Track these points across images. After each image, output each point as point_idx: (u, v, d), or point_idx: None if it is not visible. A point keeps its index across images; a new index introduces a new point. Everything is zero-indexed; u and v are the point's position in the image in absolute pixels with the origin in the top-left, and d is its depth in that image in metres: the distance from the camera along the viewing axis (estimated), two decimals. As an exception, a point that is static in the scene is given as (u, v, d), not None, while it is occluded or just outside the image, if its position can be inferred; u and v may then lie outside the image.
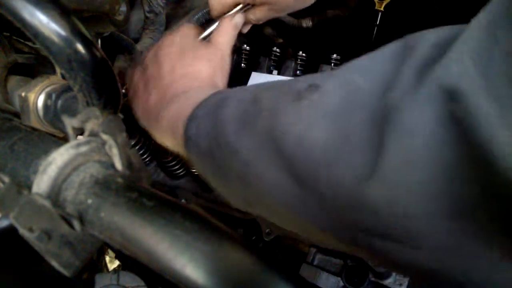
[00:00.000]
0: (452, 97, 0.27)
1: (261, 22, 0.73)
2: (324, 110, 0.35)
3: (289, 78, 0.89)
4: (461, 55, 0.27)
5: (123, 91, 0.68)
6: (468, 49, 0.27)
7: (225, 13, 0.71)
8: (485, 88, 0.25)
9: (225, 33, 0.68)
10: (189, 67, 0.61)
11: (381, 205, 0.31)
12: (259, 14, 0.72)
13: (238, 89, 0.50)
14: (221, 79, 0.63)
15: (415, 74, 0.30)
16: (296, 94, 0.39)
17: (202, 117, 0.48)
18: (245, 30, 0.75)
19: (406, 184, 0.29)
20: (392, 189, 0.30)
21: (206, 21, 0.84)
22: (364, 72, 0.35)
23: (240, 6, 0.71)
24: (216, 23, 0.72)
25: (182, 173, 0.95)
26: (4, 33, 0.55)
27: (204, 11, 0.85)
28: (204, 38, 0.73)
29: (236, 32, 0.70)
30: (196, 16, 0.85)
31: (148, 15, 0.81)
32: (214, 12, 0.72)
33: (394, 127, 0.30)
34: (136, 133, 0.95)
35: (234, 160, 0.42)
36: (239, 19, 0.70)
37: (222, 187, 0.48)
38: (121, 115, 0.46)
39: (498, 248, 0.29)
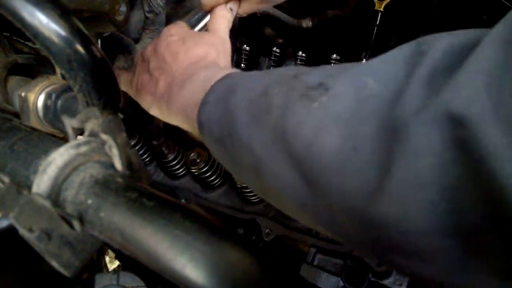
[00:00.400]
0: (459, 123, 0.27)
1: (246, 15, 0.73)
2: (334, 114, 0.35)
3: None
4: (472, 76, 0.27)
5: None
6: (480, 70, 0.27)
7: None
8: (494, 113, 0.25)
9: (221, 20, 0.68)
10: (193, 52, 0.61)
11: (390, 222, 0.31)
12: (246, 7, 0.71)
13: (247, 75, 0.50)
14: (226, 62, 0.64)
15: (424, 87, 0.30)
16: (306, 92, 0.39)
17: (213, 103, 0.49)
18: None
19: (414, 203, 0.30)
20: (400, 206, 0.30)
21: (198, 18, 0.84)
22: (377, 76, 0.35)
23: None
24: (208, 17, 0.72)
25: (182, 173, 0.95)
26: (4, 33, 0.55)
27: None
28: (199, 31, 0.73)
29: (232, 17, 0.70)
30: (196, 16, 0.85)
31: (148, 15, 0.81)
32: (206, 7, 0.72)
33: (402, 147, 0.30)
34: (136, 133, 0.95)
35: (246, 154, 0.43)
36: (233, 4, 0.70)
37: (237, 174, 0.49)
38: (121, 115, 0.46)
39: (501, 268, 0.29)
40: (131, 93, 0.67)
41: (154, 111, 0.62)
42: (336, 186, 0.34)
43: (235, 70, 0.54)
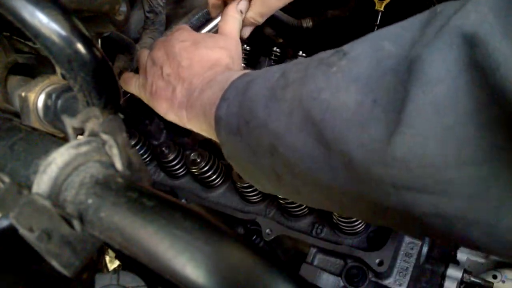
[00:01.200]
0: (471, 43, 0.28)
1: (262, 20, 0.73)
2: (353, 76, 0.36)
3: None
4: (479, 5, 0.28)
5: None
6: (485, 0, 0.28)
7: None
8: (503, 33, 0.26)
9: (232, 22, 0.68)
10: (209, 57, 0.61)
11: (410, 156, 0.31)
12: (259, 7, 0.71)
13: (264, 70, 0.51)
14: (238, 66, 0.65)
15: (437, 29, 0.31)
16: (324, 62, 0.40)
17: (232, 98, 0.49)
18: (247, 34, 0.76)
19: (434, 131, 0.30)
20: (419, 137, 0.30)
21: (207, 21, 0.84)
22: (394, 39, 0.36)
23: None
24: (218, 19, 0.71)
25: (182, 173, 0.95)
26: (4, 33, 0.55)
27: (204, 11, 0.85)
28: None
29: (242, 18, 0.70)
30: (196, 16, 0.85)
31: (148, 15, 0.81)
32: (213, 14, 0.73)
33: (418, 76, 0.31)
34: (136, 133, 0.95)
35: (263, 134, 0.43)
36: (243, 5, 0.69)
37: (251, 167, 0.49)
38: (121, 115, 0.46)
39: None
40: (144, 98, 0.66)
41: (171, 117, 0.62)
42: (355, 139, 0.34)
43: (253, 72, 0.55)
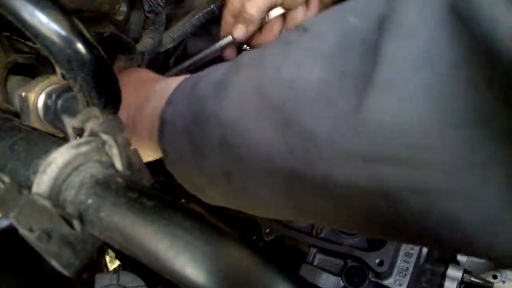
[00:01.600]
0: None
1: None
2: (317, 52, 0.32)
3: None
4: None
5: None
6: None
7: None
8: None
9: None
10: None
11: (384, 121, 0.27)
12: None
13: (214, 66, 0.46)
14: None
15: None
16: (282, 40, 0.36)
17: (178, 100, 0.45)
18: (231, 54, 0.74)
19: (410, 90, 0.26)
20: (393, 98, 0.27)
21: (207, 21, 0.84)
22: (359, 12, 0.32)
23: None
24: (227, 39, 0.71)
25: (182, 173, 0.95)
26: (4, 33, 0.55)
27: (204, 11, 0.85)
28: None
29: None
30: (196, 16, 0.85)
31: (148, 15, 0.81)
32: (223, 32, 0.71)
33: (391, 30, 0.27)
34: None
35: (213, 127, 0.39)
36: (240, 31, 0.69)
37: (197, 173, 0.44)
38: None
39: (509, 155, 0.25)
40: None
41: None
42: (321, 115, 0.31)
43: (199, 73, 0.50)
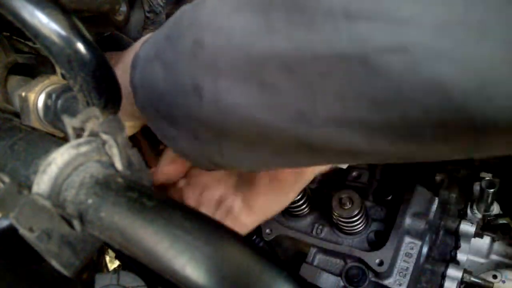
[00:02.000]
0: None
1: None
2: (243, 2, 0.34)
3: None
4: None
5: None
6: None
7: None
8: None
9: None
10: None
11: None
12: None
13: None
14: None
15: None
16: None
17: (147, 45, 0.47)
18: None
19: None
20: None
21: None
22: None
23: None
24: None
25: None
26: (4, 33, 0.55)
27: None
28: None
29: None
30: (196, 16, 0.84)
31: (148, 15, 0.81)
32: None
33: None
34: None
35: (187, 35, 0.41)
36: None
37: (169, 93, 0.44)
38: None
39: None
40: None
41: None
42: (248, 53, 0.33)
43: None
